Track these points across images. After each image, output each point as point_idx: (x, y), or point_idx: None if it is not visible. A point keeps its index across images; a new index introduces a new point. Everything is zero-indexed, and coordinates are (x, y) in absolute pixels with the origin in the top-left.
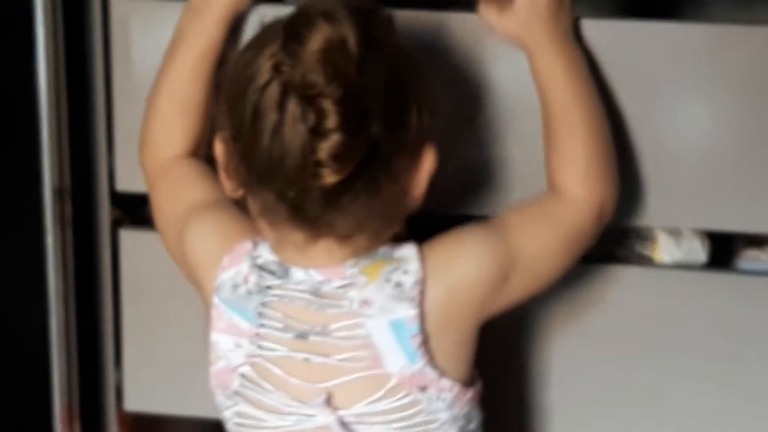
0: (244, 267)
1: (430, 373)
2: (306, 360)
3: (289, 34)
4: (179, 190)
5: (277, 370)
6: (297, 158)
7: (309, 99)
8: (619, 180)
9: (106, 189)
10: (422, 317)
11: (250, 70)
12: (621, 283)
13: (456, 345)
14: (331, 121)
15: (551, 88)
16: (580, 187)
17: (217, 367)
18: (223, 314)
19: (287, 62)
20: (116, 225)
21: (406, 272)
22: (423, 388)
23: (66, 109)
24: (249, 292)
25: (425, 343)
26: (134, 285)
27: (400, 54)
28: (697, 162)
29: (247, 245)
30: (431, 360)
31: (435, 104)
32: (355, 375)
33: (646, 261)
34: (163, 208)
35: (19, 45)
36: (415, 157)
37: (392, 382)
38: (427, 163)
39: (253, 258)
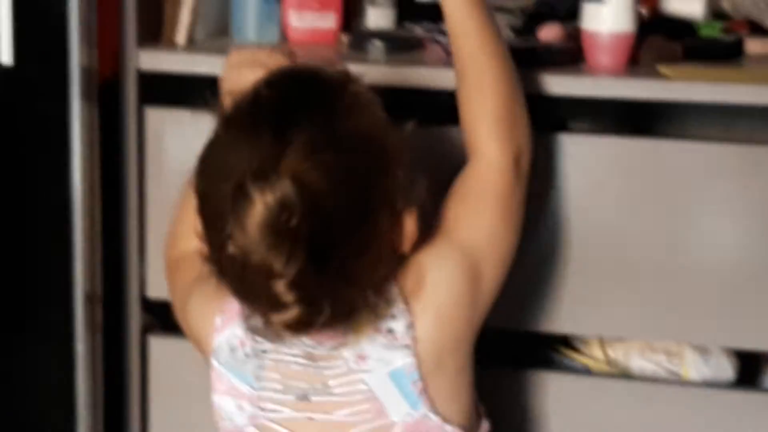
0: (238, 330)
1: (433, 419)
2: (310, 419)
3: (233, 209)
4: (189, 270)
5: (283, 431)
6: (264, 306)
7: (263, 279)
8: (528, 120)
9: (136, 295)
10: (419, 363)
11: (219, 209)
12: (649, 400)
13: (453, 380)
14: (288, 297)
15: (461, 34)
16: (491, 145)
17: (224, 427)
18: (222, 377)
19: (236, 237)
20: (146, 331)
21: (393, 317)
22: None
23: (99, 216)
24: (246, 356)
25: (425, 389)
26: (162, 391)
27: (363, 139)
28: (726, 280)
29: (237, 304)
30: (433, 406)
31: (409, 169)
32: (360, 428)
33: (674, 378)
34: (176, 288)
35: (55, 153)
36: (390, 235)
37: (396, 430)
38: (408, 226)
39: (247, 319)
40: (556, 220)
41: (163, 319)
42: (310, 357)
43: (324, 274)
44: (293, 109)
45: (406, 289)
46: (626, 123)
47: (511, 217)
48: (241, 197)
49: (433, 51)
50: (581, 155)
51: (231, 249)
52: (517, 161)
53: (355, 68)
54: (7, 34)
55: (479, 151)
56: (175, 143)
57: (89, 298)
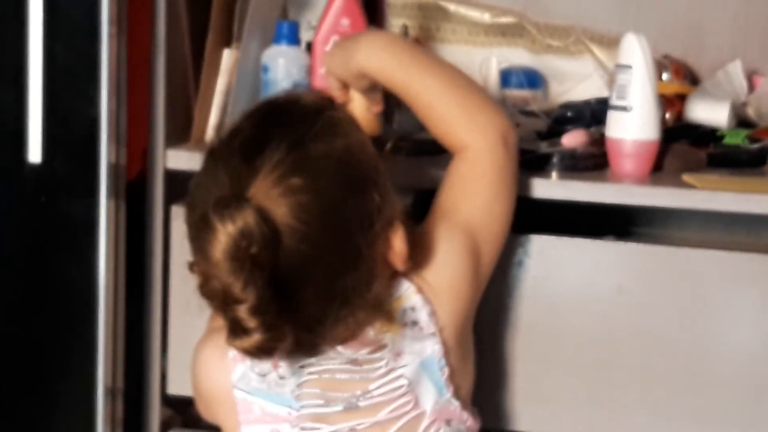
0: None
1: (454, 404)
2: (352, 430)
3: (197, 236)
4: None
5: None
6: (229, 331)
7: (225, 306)
8: (501, 106)
9: (158, 391)
10: (446, 349)
11: (191, 236)
12: None
13: (465, 359)
14: (250, 323)
15: (390, 75)
16: (473, 136)
17: None
18: (252, 405)
19: (200, 263)
20: (166, 427)
21: (413, 309)
22: (448, 422)
23: (123, 311)
24: (281, 377)
25: (452, 375)
26: None
27: (335, 162)
28: (747, 389)
29: None
30: (456, 391)
31: (385, 181)
32: (401, 422)
33: None
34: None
35: (81, 249)
36: (373, 256)
37: (427, 420)
38: (398, 238)
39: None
40: (577, 324)
41: (183, 414)
42: (355, 362)
43: (290, 300)
44: (264, 136)
45: (416, 277)
46: (649, 227)
47: (506, 193)
48: (202, 225)
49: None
50: (605, 260)
51: (198, 275)
52: (504, 139)
53: None
54: (37, 132)
55: (462, 146)
56: None
57: (111, 393)
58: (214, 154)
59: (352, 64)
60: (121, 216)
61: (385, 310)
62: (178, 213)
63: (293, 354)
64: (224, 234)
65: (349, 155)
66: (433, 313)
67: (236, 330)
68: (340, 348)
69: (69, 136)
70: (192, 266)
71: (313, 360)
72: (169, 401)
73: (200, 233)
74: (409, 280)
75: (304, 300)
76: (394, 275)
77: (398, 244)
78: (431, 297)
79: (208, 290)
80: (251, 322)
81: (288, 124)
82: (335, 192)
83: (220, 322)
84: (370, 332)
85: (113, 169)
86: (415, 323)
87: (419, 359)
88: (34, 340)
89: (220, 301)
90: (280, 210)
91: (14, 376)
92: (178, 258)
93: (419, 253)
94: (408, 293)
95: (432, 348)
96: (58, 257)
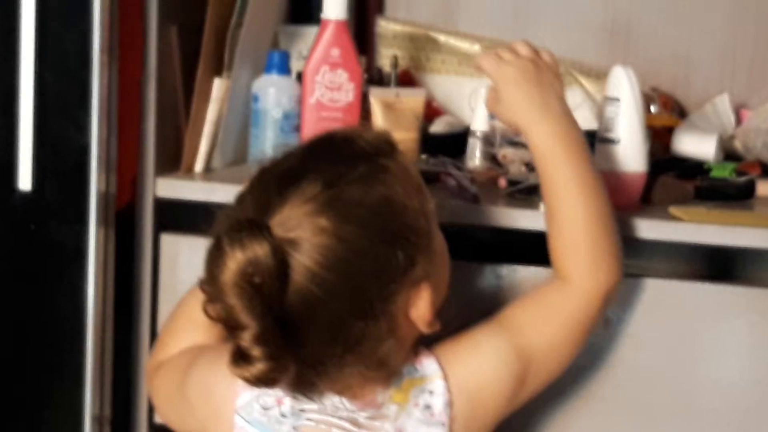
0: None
1: None
2: None
3: (207, 265)
4: (182, 358)
5: None
6: (232, 359)
7: (229, 331)
8: (621, 257)
9: (145, 419)
10: None
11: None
12: None
13: None
14: (254, 352)
15: (549, 165)
16: (583, 276)
17: None
18: None
19: (209, 291)
20: None
21: (431, 393)
22: None
23: (111, 339)
24: (283, 415)
25: None
26: None
27: (368, 212)
28: (733, 419)
29: None
30: None
31: (422, 241)
32: None
33: None
34: (163, 386)
35: (70, 277)
36: (389, 312)
37: None
38: (422, 301)
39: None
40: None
41: None
42: (355, 423)
43: (294, 335)
44: (304, 168)
45: (448, 366)
46: (639, 260)
47: (578, 343)
48: (215, 246)
49: (448, 184)
50: None
51: (205, 294)
52: (606, 297)
53: None
54: (27, 160)
55: (569, 278)
56: (189, 270)
57: (98, 420)
58: (260, 174)
59: (519, 121)
60: (111, 244)
61: (392, 372)
62: (168, 241)
63: (294, 389)
64: (233, 259)
65: (385, 207)
66: (449, 404)
67: (239, 358)
68: (344, 400)
69: (59, 163)
70: (201, 285)
71: (315, 407)
72: (156, 429)
73: (212, 253)
74: (440, 364)
75: (308, 338)
76: (427, 354)
77: (422, 306)
78: (455, 390)
79: (212, 310)
80: (255, 351)
81: (332, 162)
82: (359, 241)
83: (186, 359)
84: (378, 396)
85: (103, 197)
86: (428, 407)
87: None
88: (22, 367)
89: (224, 324)
90: (298, 246)
91: (2, 402)
92: (167, 286)
93: (463, 349)
94: (433, 376)
95: None
96: (47, 285)
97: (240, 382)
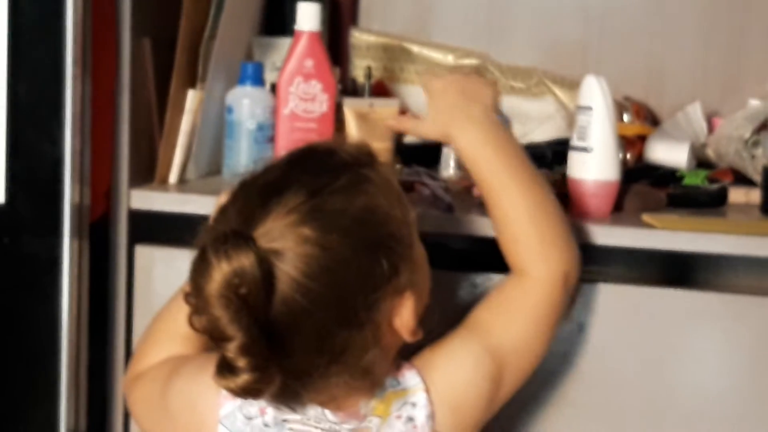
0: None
1: None
2: None
3: (192, 276)
4: (161, 367)
5: None
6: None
7: (215, 342)
8: (575, 241)
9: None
10: None
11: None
12: None
13: None
14: (239, 362)
15: (482, 167)
16: (537, 266)
17: None
18: None
19: (194, 303)
20: None
21: (414, 405)
22: None
23: (86, 352)
24: (266, 425)
25: None
26: None
27: (352, 220)
28: (707, 424)
29: None
30: None
31: (405, 250)
32: None
33: None
34: (142, 397)
35: (44, 289)
36: (373, 322)
37: None
38: (406, 309)
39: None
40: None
41: None
42: None
43: (280, 346)
44: (287, 180)
45: (428, 378)
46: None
47: (548, 333)
48: (199, 258)
49: (422, 194)
50: None
51: (190, 306)
52: (565, 280)
53: None
54: (0, 173)
55: (525, 271)
56: (164, 281)
57: None
58: (241, 187)
59: (447, 130)
60: (85, 256)
61: (376, 382)
62: (142, 253)
63: (278, 399)
64: (218, 271)
65: (368, 216)
66: (432, 416)
67: (224, 369)
68: (327, 412)
69: (33, 176)
70: (187, 296)
71: (297, 417)
72: None
73: (197, 265)
74: (421, 377)
75: (293, 348)
76: (408, 366)
77: (406, 314)
78: (436, 402)
79: (197, 322)
80: (240, 362)
81: (315, 173)
82: (342, 250)
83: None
84: (361, 408)
85: (77, 210)
86: (410, 419)
87: None
88: None
89: (209, 336)
90: (282, 256)
91: None
92: (142, 298)
93: (439, 358)
94: (415, 389)
95: None
96: (22, 297)
97: (223, 393)
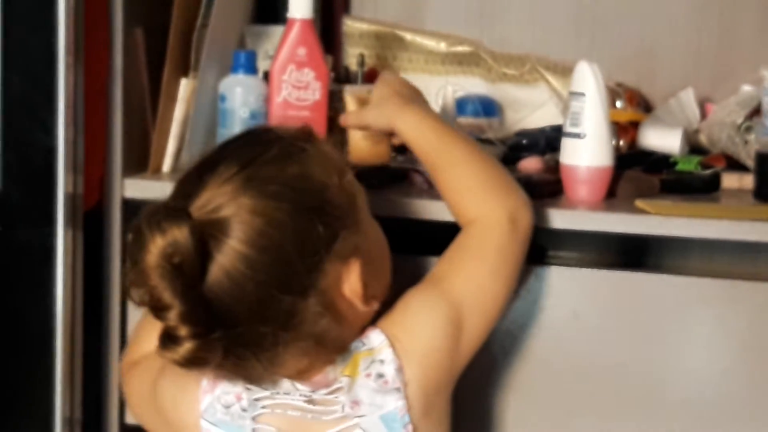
0: (232, 385)
1: None
2: None
3: (129, 251)
4: (154, 359)
5: None
6: (161, 342)
7: (156, 313)
8: (521, 190)
9: (116, 421)
10: (410, 406)
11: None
12: None
13: (437, 427)
14: (180, 331)
15: (425, 144)
16: (483, 211)
17: None
18: None
19: (132, 277)
20: None
21: (382, 362)
22: None
23: (81, 341)
24: (243, 410)
25: (415, 431)
26: None
27: (285, 187)
28: (702, 412)
29: None
30: None
31: (344, 217)
32: None
33: None
34: (136, 387)
35: (39, 278)
36: (326, 288)
37: None
38: (353, 275)
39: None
40: (533, 350)
41: None
42: (310, 401)
43: (223, 315)
44: (221, 155)
45: (391, 334)
46: (606, 253)
47: (504, 272)
48: (135, 234)
49: (416, 181)
50: (560, 287)
51: (129, 282)
52: (512, 219)
53: None
54: None
55: (473, 219)
56: None
57: (68, 423)
58: (184, 173)
59: (391, 114)
60: (79, 245)
61: (335, 349)
62: None
63: (239, 375)
64: (152, 243)
65: (301, 182)
66: (400, 369)
67: (167, 339)
68: (297, 384)
69: (26, 165)
70: (124, 275)
71: (267, 393)
72: (127, 430)
73: (133, 240)
74: (385, 334)
75: (238, 317)
76: (372, 328)
77: (353, 280)
78: (402, 354)
79: (136, 295)
80: (182, 330)
81: (247, 147)
82: (277, 214)
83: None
84: (329, 373)
85: (70, 199)
86: (380, 376)
87: (379, 413)
88: None
89: (149, 307)
90: (218, 225)
91: None
92: None
93: (398, 314)
94: (381, 346)
95: (395, 404)
96: (16, 287)
97: (202, 388)
